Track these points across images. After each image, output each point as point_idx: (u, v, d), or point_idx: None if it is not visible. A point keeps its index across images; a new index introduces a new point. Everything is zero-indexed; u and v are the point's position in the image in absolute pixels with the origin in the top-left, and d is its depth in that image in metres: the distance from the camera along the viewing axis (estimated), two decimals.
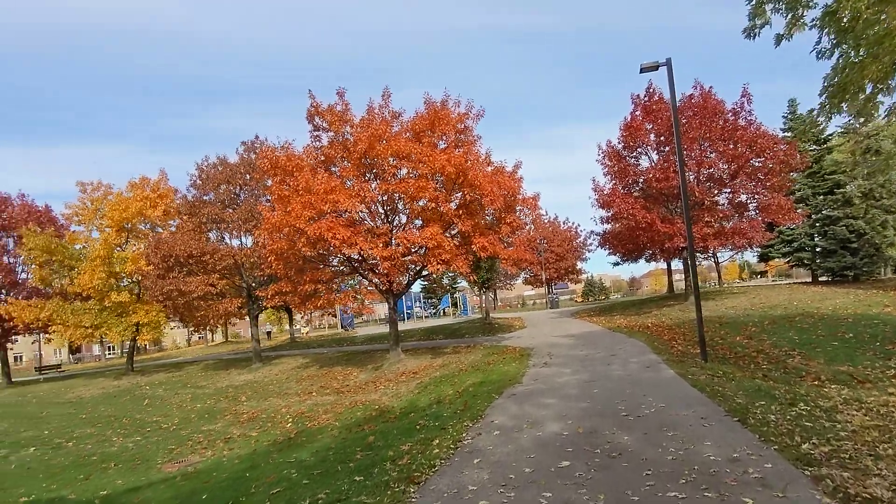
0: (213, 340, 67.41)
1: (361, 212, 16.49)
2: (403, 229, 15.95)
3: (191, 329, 51.93)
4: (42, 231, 24.62)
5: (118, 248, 24.82)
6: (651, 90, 23.81)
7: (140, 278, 22.17)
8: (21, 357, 58.05)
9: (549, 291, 46.95)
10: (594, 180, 25.09)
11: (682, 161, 11.51)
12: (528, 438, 6.32)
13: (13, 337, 29.99)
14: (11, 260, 27.42)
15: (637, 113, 23.89)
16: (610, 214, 25.54)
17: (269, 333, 54.66)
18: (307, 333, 49.18)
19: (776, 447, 5.24)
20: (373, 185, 15.84)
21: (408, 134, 16.31)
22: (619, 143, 24.87)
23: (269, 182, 17.15)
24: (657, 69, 10.84)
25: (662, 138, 23.34)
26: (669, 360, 10.96)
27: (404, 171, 15.84)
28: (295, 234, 15.11)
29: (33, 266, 25.32)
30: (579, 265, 50.90)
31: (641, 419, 6.63)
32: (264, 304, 18.24)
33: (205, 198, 21.79)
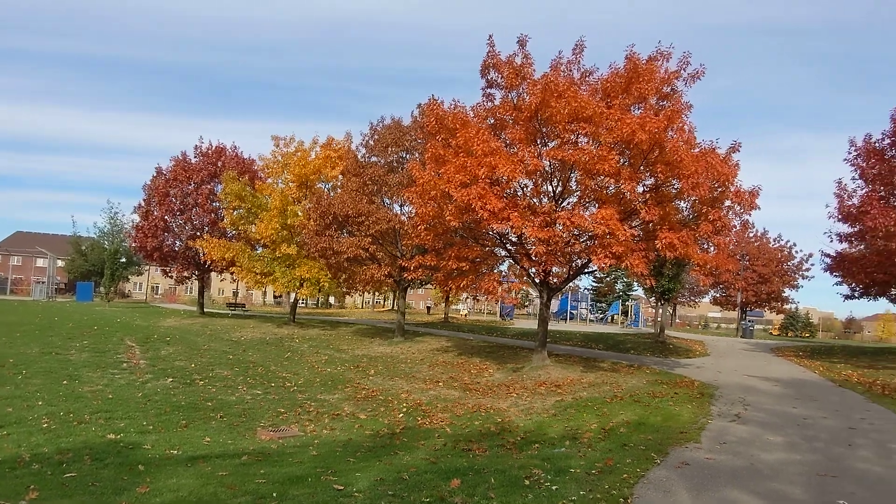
0: (383, 306, 70.98)
1: (523, 184, 13.97)
2: (571, 210, 13.01)
3: (366, 292, 55.00)
4: (239, 179, 26.65)
5: (295, 203, 25.87)
6: None
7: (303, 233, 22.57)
8: (237, 293, 66.96)
9: (742, 317, 39.44)
10: (839, 183, 19.08)
11: None
12: None
13: (211, 273, 33.95)
14: (216, 203, 30.56)
15: None
16: (855, 231, 19.32)
17: (428, 308, 55.41)
18: (465, 315, 48.52)
19: None
20: (541, 153, 13.18)
21: (597, 96, 13.27)
22: (884, 138, 18.53)
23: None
24: None
25: None
26: None
27: (584, 139, 12.90)
28: (444, 200, 13.23)
29: (228, 209, 27.64)
30: (787, 292, 42.04)
31: None
32: (406, 276, 16.95)
33: (372, 159, 21.27)
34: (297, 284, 25.15)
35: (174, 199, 30.29)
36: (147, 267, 49.15)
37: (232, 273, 28.11)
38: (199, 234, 29.86)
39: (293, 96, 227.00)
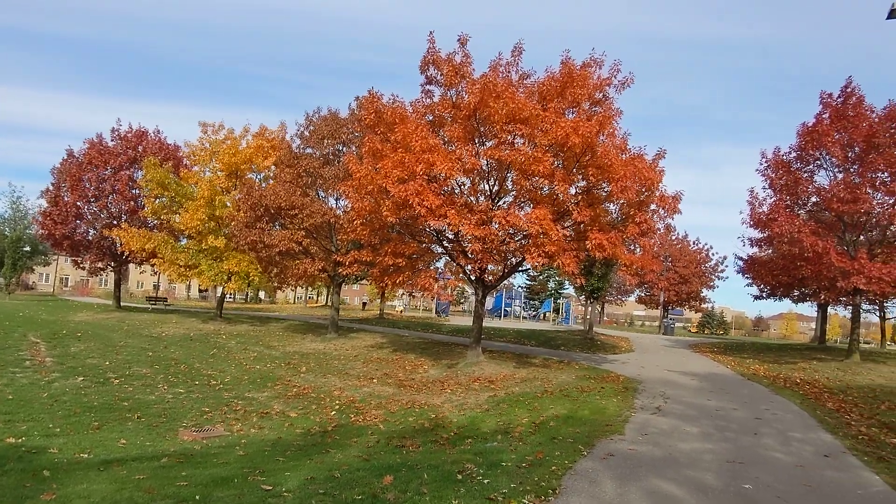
0: (317, 302, 69.40)
1: (461, 182, 14.08)
2: (507, 209, 13.23)
3: (298, 287, 53.46)
4: (162, 166, 25.15)
5: (224, 193, 24.75)
6: (849, 89, 18.76)
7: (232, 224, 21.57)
8: (158, 286, 63.08)
9: (664, 315, 41.71)
10: (752, 191, 20.49)
11: None
12: None
13: (129, 265, 31.85)
14: (136, 191, 28.69)
15: (825, 116, 18.96)
16: (764, 236, 20.87)
17: (364, 304, 54.80)
18: (400, 312, 48.34)
19: None
20: (479, 152, 13.31)
21: (533, 99, 13.55)
22: (790, 152, 20.15)
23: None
24: None
25: (854, 152, 18.34)
26: (858, 451, 7.30)
27: (520, 140, 13.14)
28: (381, 195, 13.10)
29: (149, 198, 26.00)
30: (704, 292, 44.86)
31: None
32: (341, 271, 16.63)
33: (307, 150, 20.69)
34: (225, 278, 24.07)
35: (88, 185, 28.14)
36: (55, 256, 45.57)
37: (153, 265, 26.51)
38: (116, 222, 27.93)
39: (224, 82, 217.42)
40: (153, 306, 33.98)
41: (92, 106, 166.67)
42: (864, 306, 25.50)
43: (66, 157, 29.17)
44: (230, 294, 51.86)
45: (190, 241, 24.86)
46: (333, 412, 11.03)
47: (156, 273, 32.41)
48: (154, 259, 24.98)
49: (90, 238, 29.05)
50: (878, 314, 35.69)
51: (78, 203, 27.95)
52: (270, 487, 5.30)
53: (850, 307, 20.62)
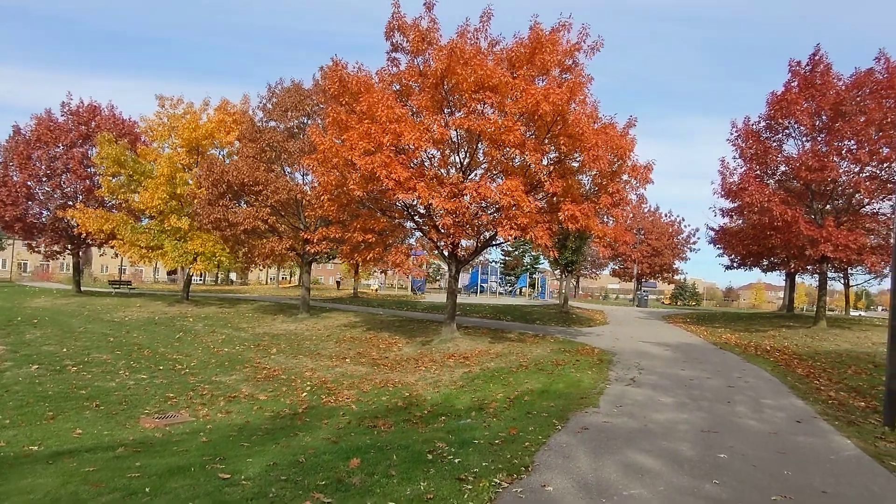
0: (290, 282, 68.29)
1: (430, 154, 13.64)
2: (478, 182, 12.87)
3: (268, 267, 52.34)
4: (117, 142, 23.95)
5: (186, 170, 23.77)
6: (817, 57, 18.79)
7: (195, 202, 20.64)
8: (123, 269, 61.11)
9: (637, 288, 42.30)
10: (723, 161, 20.56)
11: None
12: None
13: (91, 248, 30.54)
14: (91, 169, 27.35)
15: (793, 84, 19.00)
16: (735, 206, 21.02)
17: (338, 283, 54.19)
18: (375, 290, 47.91)
19: None
20: (448, 122, 12.86)
21: (503, 66, 13.10)
22: (760, 121, 20.20)
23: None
24: None
25: (821, 121, 18.46)
26: (829, 416, 7.33)
27: (490, 110, 12.73)
28: (347, 169, 12.61)
29: (105, 176, 24.80)
30: (677, 264, 45.60)
31: None
32: (310, 249, 16.10)
33: (270, 123, 19.87)
34: (191, 259, 23.22)
35: (38, 163, 26.64)
36: (11, 241, 43.62)
37: (113, 247, 25.44)
38: (71, 202, 26.65)
39: (182, 54, 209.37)
40: (116, 290, 32.82)
41: (40, 79, 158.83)
42: (829, 274, 26.04)
43: (12, 134, 27.54)
44: (199, 276, 50.54)
45: (151, 222, 23.87)
46: (304, 394, 10.72)
47: (118, 255, 31.26)
48: (114, 241, 23.96)
49: (44, 220, 27.65)
50: (842, 282, 36.78)
51: (28, 183, 26.49)
52: (229, 476, 4.98)
53: (817, 275, 21.01)
